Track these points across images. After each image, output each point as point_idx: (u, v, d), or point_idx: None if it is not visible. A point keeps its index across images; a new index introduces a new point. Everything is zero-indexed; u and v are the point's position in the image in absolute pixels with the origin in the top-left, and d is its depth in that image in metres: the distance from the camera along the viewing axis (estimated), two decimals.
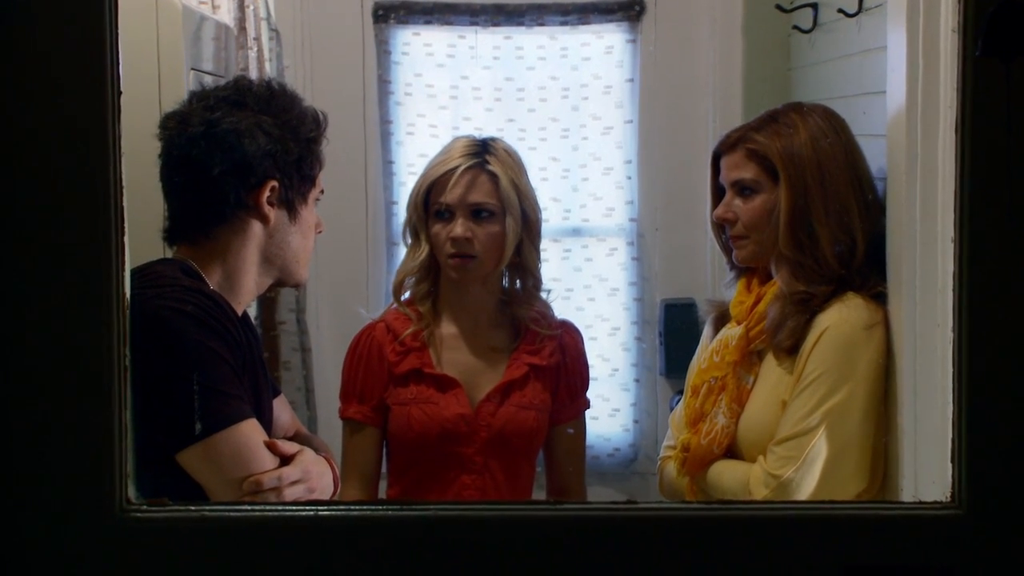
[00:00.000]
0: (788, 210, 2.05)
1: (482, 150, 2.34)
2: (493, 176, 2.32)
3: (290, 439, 2.07)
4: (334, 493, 1.95)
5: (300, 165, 1.90)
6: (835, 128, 2.09)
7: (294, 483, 1.79)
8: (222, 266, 1.86)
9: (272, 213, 1.87)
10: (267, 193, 1.85)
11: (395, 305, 2.43)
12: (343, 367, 2.43)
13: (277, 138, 1.85)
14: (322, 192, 1.99)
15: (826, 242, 2.02)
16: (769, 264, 2.14)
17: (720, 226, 2.20)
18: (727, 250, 2.22)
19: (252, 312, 3.22)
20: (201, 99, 1.87)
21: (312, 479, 1.83)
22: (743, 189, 2.12)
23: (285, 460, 1.81)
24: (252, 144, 1.82)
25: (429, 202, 2.35)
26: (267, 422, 1.90)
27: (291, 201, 1.90)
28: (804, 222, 2.04)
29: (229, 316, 1.80)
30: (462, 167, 2.31)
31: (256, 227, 1.87)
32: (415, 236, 2.38)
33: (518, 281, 2.42)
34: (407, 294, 2.42)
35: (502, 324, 2.42)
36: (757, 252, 2.14)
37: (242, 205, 1.85)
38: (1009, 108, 1.23)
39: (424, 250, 2.35)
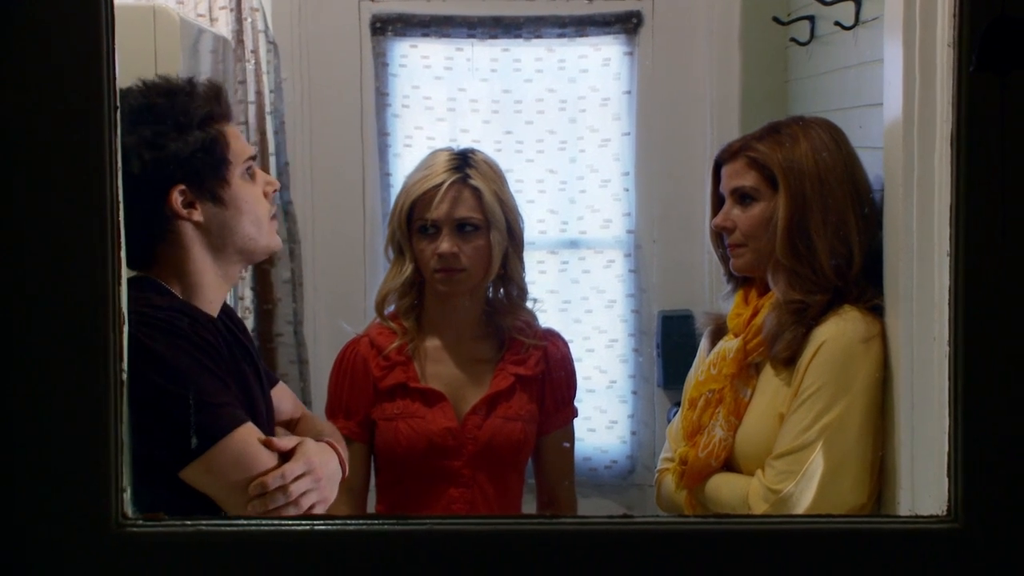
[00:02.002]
0: (786, 218, 2.05)
1: (463, 164, 2.34)
2: (476, 190, 2.32)
3: (295, 422, 2.07)
4: (343, 477, 1.93)
5: (202, 155, 1.82)
6: (836, 140, 2.10)
7: (299, 477, 1.78)
8: (178, 277, 1.84)
9: (196, 213, 1.83)
10: (178, 199, 1.81)
11: (378, 320, 2.43)
12: (328, 383, 2.43)
13: (163, 144, 1.78)
14: (253, 158, 1.92)
15: (823, 252, 2.03)
16: (766, 275, 2.14)
17: (718, 235, 2.20)
18: (725, 260, 2.22)
19: (249, 324, 3.23)
20: None
21: (316, 469, 1.82)
22: (742, 197, 2.12)
23: (287, 455, 1.80)
24: (137, 163, 1.76)
25: (412, 218, 2.34)
26: (264, 416, 1.90)
27: (211, 191, 1.84)
28: (802, 231, 2.04)
29: (202, 324, 1.79)
30: (447, 182, 2.31)
31: (188, 230, 1.83)
32: (399, 252, 2.38)
33: (502, 291, 2.42)
34: (390, 308, 2.42)
35: (487, 335, 2.42)
36: (754, 261, 2.14)
37: (162, 219, 1.81)
38: (1003, 122, 1.23)
39: (409, 266, 2.35)
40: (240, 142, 1.90)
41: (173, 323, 1.75)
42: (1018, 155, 1.24)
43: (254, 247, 1.91)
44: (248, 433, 1.76)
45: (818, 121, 2.15)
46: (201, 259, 1.85)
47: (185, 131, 1.81)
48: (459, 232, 2.31)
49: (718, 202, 2.20)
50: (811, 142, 2.08)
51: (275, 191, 1.96)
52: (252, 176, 1.92)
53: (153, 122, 1.79)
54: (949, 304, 1.29)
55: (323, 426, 2.09)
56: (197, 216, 1.83)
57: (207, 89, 1.88)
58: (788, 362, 2.04)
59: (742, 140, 2.16)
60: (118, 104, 1.25)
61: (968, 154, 1.26)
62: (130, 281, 1.80)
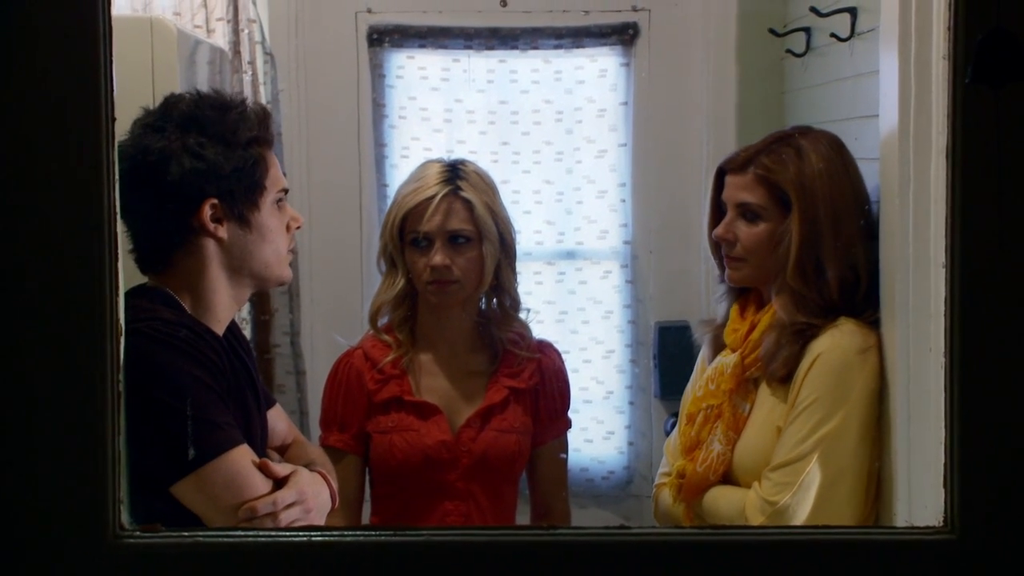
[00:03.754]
0: (799, 243, 2.02)
1: (453, 175, 2.33)
2: (468, 202, 2.31)
3: (287, 447, 2.06)
4: (333, 509, 1.93)
5: (240, 175, 1.83)
6: (842, 157, 2.08)
7: (289, 506, 1.77)
8: (190, 290, 1.83)
9: (222, 230, 1.83)
10: (208, 212, 1.81)
11: (371, 332, 2.42)
12: (323, 395, 2.43)
13: (206, 156, 1.79)
14: (285, 191, 1.93)
15: (832, 276, 2.01)
16: (764, 288, 2.13)
17: (716, 243, 2.18)
18: (722, 266, 2.20)
19: (245, 335, 3.23)
20: (131, 129, 1.82)
21: (308, 499, 1.82)
22: (747, 213, 2.10)
23: (280, 482, 1.79)
24: (177, 169, 1.77)
25: (404, 230, 2.33)
26: (259, 438, 1.89)
27: (240, 212, 1.84)
28: (813, 257, 2.02)
29: (208, 342, 1.79)
30: (439, 195, 2.30)
31: (210, 245, 1.83)
32: (391, 265, 2.37)
33: (495, 302, 2.42)
34: (384, 320, 2.41)
35: (481, 347, 2.41)
36: (752, 276, 2.13)
37: (187, 229, 1.81)
38: (998, 134, 1.23)
39: (402, 279, 2.35)
40: (277, 171, 1.91)
41: (178, 338, 1.74)
42: (1013, 166, 1.24)
43: (268, 275, 1.92)
44: (242, 455, 1.76)
45: (825, 136, 2.12)
46: (216, 277, 1.85)
47: (230, 148, 1.82)
48: (451, 244, 2.30)
49: (718, 209, 2.18)
50: (821, 160, 2.04)
51: (298, 227, 1.96)
52: (280, 207, 1.92)
53: (200, 132, 1.80)
54: (945, 315, 1.30)
55: (315, 453, 2.08)
56: (222, 233, 1.83)
57: (256, 112, 1.89)
58: (785, 379, 2.03)
59: (750, 152, 2.11)
60: (115, 116, 1.25)
61: (963, 165, 1.26)
62: (142, 291, 1.81)
